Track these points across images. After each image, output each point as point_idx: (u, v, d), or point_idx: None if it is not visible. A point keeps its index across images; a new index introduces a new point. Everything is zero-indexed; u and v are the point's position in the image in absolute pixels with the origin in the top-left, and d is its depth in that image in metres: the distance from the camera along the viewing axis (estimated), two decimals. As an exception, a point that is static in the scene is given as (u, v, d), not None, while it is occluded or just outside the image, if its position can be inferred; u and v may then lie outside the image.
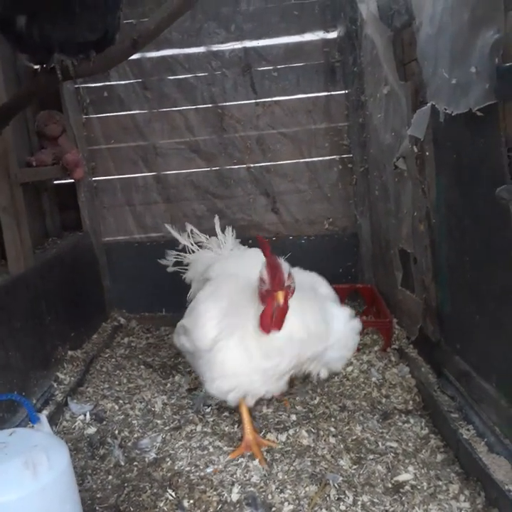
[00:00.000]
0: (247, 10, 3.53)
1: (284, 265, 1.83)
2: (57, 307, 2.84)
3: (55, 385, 2.61)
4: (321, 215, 3.74)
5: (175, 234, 2.77)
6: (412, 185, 2.70)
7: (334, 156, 3.69)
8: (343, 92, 3.62)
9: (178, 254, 2.74)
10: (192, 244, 2.72)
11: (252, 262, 2.00)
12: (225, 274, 2.30)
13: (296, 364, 1.96)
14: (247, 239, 3.79)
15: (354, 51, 3.49)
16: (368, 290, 3.56)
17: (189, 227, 2.76)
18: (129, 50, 1.89)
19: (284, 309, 1.81)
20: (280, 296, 1.77)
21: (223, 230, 2.79)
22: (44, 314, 2.67)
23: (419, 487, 1.86)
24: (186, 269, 2.72)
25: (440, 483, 1.87)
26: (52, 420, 2.32)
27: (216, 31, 3.55)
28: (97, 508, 1.89)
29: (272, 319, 1.83)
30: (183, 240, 2.73)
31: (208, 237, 2.75)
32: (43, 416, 1.44)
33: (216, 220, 2.80)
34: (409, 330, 2.96)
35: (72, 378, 2.71)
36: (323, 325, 1.96)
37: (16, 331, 2.34)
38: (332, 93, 3.65)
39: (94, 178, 3.72)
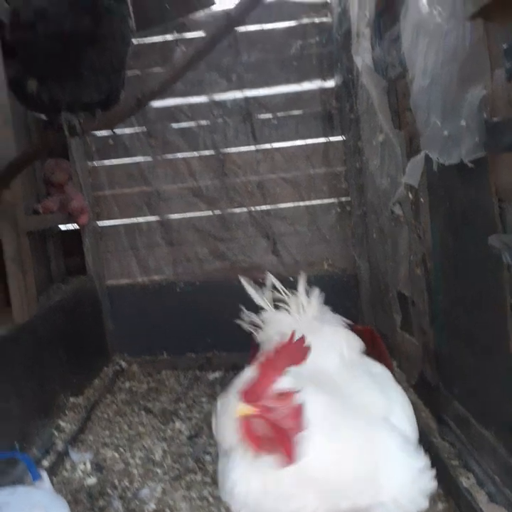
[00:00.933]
0: (247, 60, 3.68)
1: (285, 380, 1.31)
2: (60, 353, 2.87)
3: (56, 433, 2.61)
4: (321, 256, 3.80)
5: (250, 290, 2.14)
6: (408, 230, 2.76)
7: (333, 200, 3.78)
8: (341, 138, 3.73)
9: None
10: (268, 303, 2.11)
11: (319, 349, 1.52)
12: None
13: None
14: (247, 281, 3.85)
15: (351, 99, 3.61)
16: (368, 332, 3.56)
17: (271, 279, 2.13)
18: (133, 108, 1.99)
19: (247, 431, 1.30)
20: (242, 410, 1.27)
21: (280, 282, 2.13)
22: (46, 361, 2.70)
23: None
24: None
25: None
26: (53, 470, 2.32)
27: (218, 81, 3.70)
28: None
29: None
30: (259, 299, 2.11)
31: (290, 293, 2.15)
32: (44, 473, 1.46)
33: (301, 277, 2.12)
34: (409, 373, 2.96)
35: (73, 426, 2.71)
36: (369, 468, 1.36)
37: (18, 380, 2.36)
38: (330, 139, 3.76)
39: (98, 223, 3.81)
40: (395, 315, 3.13)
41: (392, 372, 3.04)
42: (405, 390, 2.87)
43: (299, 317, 2.03)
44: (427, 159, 2.36)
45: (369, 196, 3.51)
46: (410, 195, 2.69)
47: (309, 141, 3.76)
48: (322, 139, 3.77)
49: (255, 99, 3.71)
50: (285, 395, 1.29)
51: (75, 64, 1.86)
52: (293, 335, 1.41)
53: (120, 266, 3.86)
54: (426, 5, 2.19)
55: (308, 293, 2.11)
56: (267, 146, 3.74)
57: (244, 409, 1.27)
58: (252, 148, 3.74)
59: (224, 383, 3.28)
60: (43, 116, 2.14)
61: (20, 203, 2.59)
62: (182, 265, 3.88)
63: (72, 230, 3.71)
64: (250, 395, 1.29)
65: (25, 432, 2.38)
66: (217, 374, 3.51)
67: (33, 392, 2.51)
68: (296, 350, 1.39)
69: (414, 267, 2.74)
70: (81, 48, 1.84)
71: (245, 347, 3.49)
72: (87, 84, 1.93)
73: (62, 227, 3.71)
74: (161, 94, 1.96)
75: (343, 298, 3.82)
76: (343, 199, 3.76)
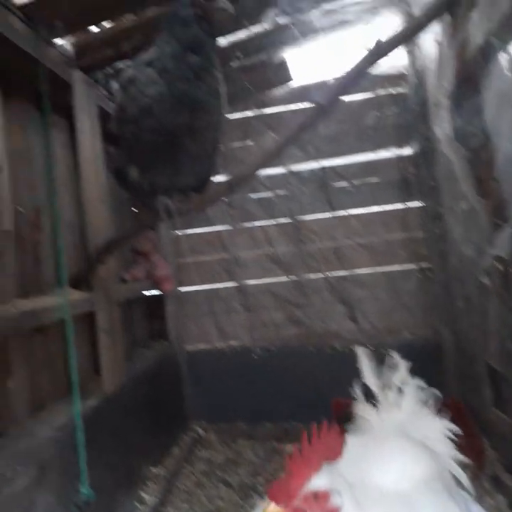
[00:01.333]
0: (324, 132, 3.79)
1: (321, 478, 1.17)
2: (143, 421, 2.92)
3: (139, 506, 2.62)
4: (401, 323, 3.69)
5: (365, 365, 1.72)
6: (498, 302, 2.64)
7: (412, 265, 3.70)
8: (419, 204, 3.70)
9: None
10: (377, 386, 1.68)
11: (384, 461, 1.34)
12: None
13: None
14: (325, 348, 3.81)
15: (429, 166, 3.60)
16: (455, 406, 3.37)
17: (394, 357, 1.74)
18: (224, 192, 2.09)
19: None
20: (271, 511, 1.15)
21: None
22: (130, 430, 2.75)
23: None
24: None
25: None
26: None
27: (295, 153, 3.81)
28: None
29: None
30: (369, 377, 1.69)
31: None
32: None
33: (401, 364, 1.72)
34: (504, 455, 2.74)
35: (155, 498, 2.71)
36: None
37: (104, 450, 2.41)
38: (408, 205, 3.73)
39: (180, 289, 3.95)
40: (484, 389, 2.95)
41: (484, 453, 2.82)
42: (501, 473, 2.68)
43: (387, 417, 1.65)
44: (517, 230, 2.29)
45: (453, 263, 3.41)
46: (500, 267, 2.59)
47: (386, 207, 3.75)
48: (399, 206, 3.74)
49: (331, 168, 3.79)
50: (321, 496, 1.16)
51: (174, 154, 2.00)
52: (326, 425, 1.28)
53: (199, 331, 3.95)
54: (510, 75, 2.19)
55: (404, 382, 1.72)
56: (344, 212, 3.77)
57: (274, 510, 1.15)
58: (328, 215, 3.78)
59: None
60: (140, 200, 2.30)
61: (113, 276, 2.74)
62: (258, 331, 3.90)
63: (155, 297, 3.85)
64: (281, 495, 1.16)
65: (110, 505, 2.40)
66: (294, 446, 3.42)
67: (118, 462, 2.55)
68: (332, 443, 1.25)
69: (507, 342, 2.60)
70: (180, 139, 1.98)
71: (324, 417, 3.40)
72: (184, 171, 2.06)
73: (147, 293, 3.86)
74: (251, 178, 2.05)
75: (425, 368, 3.64)
76: (424, 265, 3.68)
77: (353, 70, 2.11)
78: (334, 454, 1.24)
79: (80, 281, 2.49)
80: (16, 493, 1.66)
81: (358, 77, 2.07)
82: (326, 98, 1.80)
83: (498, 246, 2.53)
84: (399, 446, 1.47)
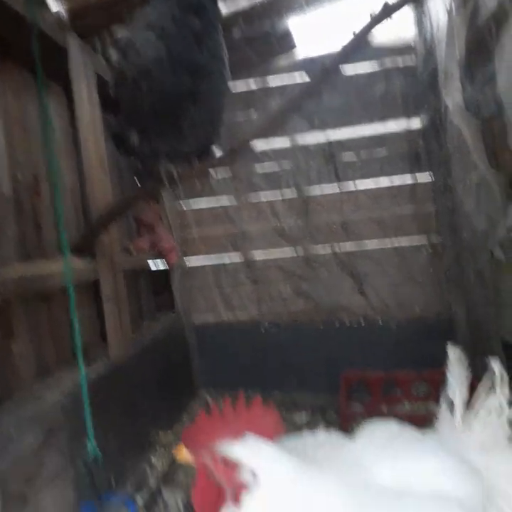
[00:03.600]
0: (331, 104, 3.71)
1: (237, 450, 1.14)
2: (152, 389, 2.93)
3: (148, 470, 2.65)
4: (411, 299, 3.65)
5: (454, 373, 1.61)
6: (511, 275, 2.60)
7: (423, 240, 3.65)
8: (429, 177, 3.63)
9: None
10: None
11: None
12: None
13: None
14: (333, 322, 3.79)
15: (439, 137, 3.52)
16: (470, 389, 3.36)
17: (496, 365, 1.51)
18: (226, 160, 2.05)
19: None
20: (178, 452, 1.20)
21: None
22: (139, 397, 2.76)
23: None
24: None
25: None
26: (146, 508, 2.35)
27: (301, 125, 3.74)
28: None
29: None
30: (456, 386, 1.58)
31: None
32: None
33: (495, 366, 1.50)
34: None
35: (165, 463, 2.74)
36: None
37: (113, 416, 2.42)
38: (417, 178, 3.66)
39: (186, 262, 3.93)
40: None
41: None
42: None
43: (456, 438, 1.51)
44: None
45: (464, 237, 3.35)
46: (513, 238, 2.54)
47: (395, 179, 3.68)
48: (408, 179, 3.68)
49: (338, 141, 3.71)
50: (231, 465, 1.15)
51: (175, 118, 1.96)
52: (259, 400, 1.27)
53: (206, 304, 3.94)
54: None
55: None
56: (351, 186, 3.71)
57: (182, 453, 1.20)
58: (336, 188, 3.72)
59: (310, 426, 3.19)
60: (140, 166, 2.26)
61: (117, 244, 2.72)
62: (266, 304, 3.89)
63: (161, 270, 3.84)
64: (194, 443, 1.19)
65: (120, 469, 2.42)
66: (303, 415, 3.43)
67: (127, 429, 2.57)
68: (264, 418, 1.24)
69: (519, 315, 2.56)
70: (181, 103, 1.94)
71: (332, 389, 3.42)
72: (186, 137, 2.02)
73: (152, 266, 3.86)
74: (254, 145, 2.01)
75: (437, 345, 3.61)
76: (434, 239, 3.62)
77: (359, 33, 2.05)
78: (266, 433, 1.21)
79: (82, 249, 2.47)
80: (24, 454, 1.66)
81: (363, 39, 2.01)
82: (331, 61, 1.75)
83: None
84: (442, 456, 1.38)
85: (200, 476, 1.21)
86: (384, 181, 3.69)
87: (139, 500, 2.35)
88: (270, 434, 1.22)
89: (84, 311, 2.72)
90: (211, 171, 3.44)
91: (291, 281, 3.84)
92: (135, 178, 2.49)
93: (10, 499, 1.52)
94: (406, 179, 3.67)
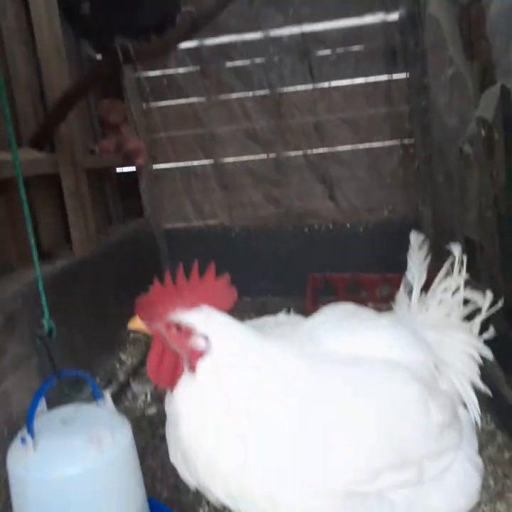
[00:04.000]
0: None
1: (194, 316, 1.17)
2: (120, 291, 2.92)
3: (117, 365, 2.70)
4: (381, 202, 3.64)
5: (414, 247, 1.66)
6: (479, 171, 2.58)
7: (395, 142, 3.58)
8: (405, 75, 3.50)
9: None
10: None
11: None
12: None
13: None
14: (302, 227, 3.79)
15: (416, 32, 3.35)
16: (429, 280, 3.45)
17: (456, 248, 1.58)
18: (188, 31, 1.90)
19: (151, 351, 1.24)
20: (133, 323, 1.22)
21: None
22: (107, 297, 2.76)
23: (485, 485, 1.78)
24: None
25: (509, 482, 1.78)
26: (115, 400, 2.39)
27: (274, 16, 3.51)
28: (158, 486, 1.94)
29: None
30: (415, 262, 1.66)
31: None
32: (107, 393, 1.48)
33: (454, 247, 1.58)
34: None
35: (134, 359, 2.80)
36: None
37: (80, 313, 2.43)
38: (393, 76, 3.53)
39: (154, 166, 3.80)
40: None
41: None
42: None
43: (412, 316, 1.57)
44: (504, 91, 2.16)
45: (435, 137, 3.29)
46: (483, 132, 2.49)
47: (370, 79, 3.55)
48: (384, 77, 3.54)
49: (313, 34, 3.51)
50: (184, 330, 1.16)
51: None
52: (212, 268, 1.23)
53: (176, 210, 3.86)
54: None
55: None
56: (325, 84, 3.56)
57: (135, 322, 1.21)
58: (310, 86, 3.57)
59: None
60: (97, 47, 2.10)
61: (77, 139, 2.59)
62: (236, 210, 3.84)
63: (128, 173, 3.72)
64: (147, 312, 1.19)
65: (89, 364, 2.46)
66: (273, 318, 3.51)
67: (95, 326, 2.59)
68: (218, 289, 1.22)
69: (484, 210, 2.57)
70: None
71: (300, 292, 3.49)
72: (141, 6, 1.85)
73: (119, 170, 3.73)
74: (216, 15, 1.86)
75: (403, 246, 3.67)
76: (406, 141, 3.56)
77: None
78: (220, 302, 1.21)
79: (41, 142, 2.34)
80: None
81: None
82: None
83: (483, 108, 2.41)
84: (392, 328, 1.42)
85: (155, 343, 1.22)
86: (359, 80, 3.55)
87: (108, 394, 2.41)
88: (224, 304, 1.23)
89: (46, 210, 2.63)
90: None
91: (261, 186, 3.77)
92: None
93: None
94: (381, 78, 3.54)
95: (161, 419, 2.32)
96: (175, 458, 1.26)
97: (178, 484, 1.93)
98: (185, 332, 1.16)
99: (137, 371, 2.75)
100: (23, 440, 1.25)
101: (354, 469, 1.13)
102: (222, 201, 3.82)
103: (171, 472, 1.99)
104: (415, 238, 1.71)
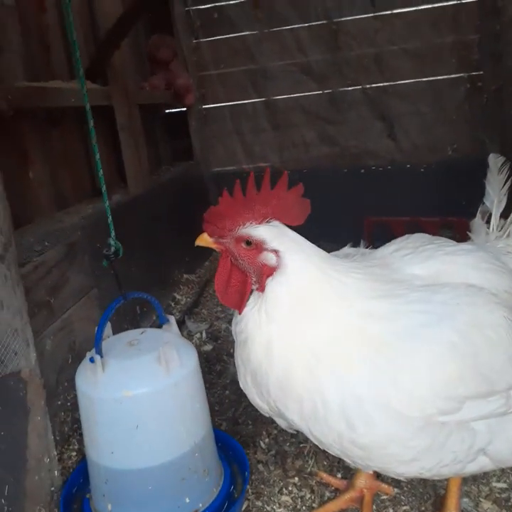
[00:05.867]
0: None
1: (262, 230, 1.10)
2: (172, 232, 2.89)
3: (172, 304, 2.70)
4: (444, 140, 3.41)
5: (493, 172, 1.55)
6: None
7: (461, 74, 3.31)
8: (476, -4, 3.19)
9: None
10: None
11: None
12: None
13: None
14: (359, 168, 3.61)
15: None
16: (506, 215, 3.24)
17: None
18: None
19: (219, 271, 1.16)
20: (201, 239, 1.16)
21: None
22: (160, 236, 2.73)
23: None
24: None
25: None
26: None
27: None
28: (216, 419, 1.94)
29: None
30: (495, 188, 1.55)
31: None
32: (172, 317, 1.45)
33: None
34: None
35: (188, 299, 2.79)
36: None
37: (136, 249, 2.39)
38: (462, 1, 3.22)
39: (204, 106, 3.68)
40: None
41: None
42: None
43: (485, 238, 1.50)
44: None
45: (509, 65, 3.02)
46: None
47: (436, 4, 3.25)
48: (453, 1, 3.24)
49: (375, -44, 3.23)
50: (255, 243, 1.09)
51: None
52: (285, 178, 1.16)
53: (226, 152, 3.75)
54: None
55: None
56: (387, 12, 3.30)
57: (204, 240, 1.14)
58: (370, 15, 3.32)
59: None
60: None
61: (130, 71, 2.50)
62: (288, 151, 3.69)
63: (178, 114, 3.62)
64: (215, 228, 1.12)
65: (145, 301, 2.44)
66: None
67: (150, 264, 2.57)
68: (291, 203, 1.14)
69: None
70: None
71: (356, 238, 3.33)
72: None
73: (168, 111, 3.63)
74: None
75: (468, 188, 3.45)
76: (474, 73, 3.28)
77: None
78: (292, 216, 1.13)
79: (94, 73, 2.27)
80: (47, 265, 1.63)
81: None
82: None
83: None
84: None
85: (223, 261, 1.15)
86: (424, 6, 3.26)
87: (173, 319, 2.43)
88: (297, 219, 1.14)
89: (99, 146, 2.57)
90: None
91: (315, 125, 3.60)
92: None
93: (35, 306, 1.52)
94: (450, 2, 3.24)
95: (216, 356, 2.32)
96: (244, 382, 1.22)
97: (236, 417, 1.93)
98: (255, 247, 1.09)
99: (192, 310, 2.74)
100: (92, 360, 1.23)
101: (432, 397, 1.05)
102: (273, 142, 3.68)
103: (228, 406, 1.99)
104: (494, 160, 1.58)
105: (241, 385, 1.25)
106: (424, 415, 1.05)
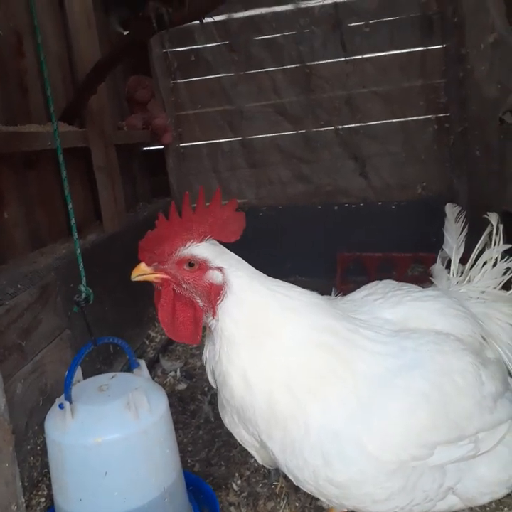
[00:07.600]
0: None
1: (202, 248, 1.09)
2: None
3: (146, 342, 2.70)
4: (414, 179, 3.53)
5: (450, 221, 1.66)
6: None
7: (430, 116, 3.46)
8: (441, 45, 3.36)
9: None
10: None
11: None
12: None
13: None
14: (332, 205, 3.70)
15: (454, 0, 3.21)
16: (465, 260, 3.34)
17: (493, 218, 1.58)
18: (221, -2, 1.83)
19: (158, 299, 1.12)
20: (138, 270, 1.09)
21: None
22: (136, 274, 2.73)
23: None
24: None
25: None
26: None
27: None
28: (189, 460, 1.93)
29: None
30: (452, 236, 1.64)
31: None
32: (143, 361, 1.46)
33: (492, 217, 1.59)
34: None
35: (163, 336, 2.78)
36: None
37: (111, 288, 2.41)
38: (428, 48, 3.40)
39: (181, 144, 3.75)
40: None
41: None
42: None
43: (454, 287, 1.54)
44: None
45: (473, 109, 3.16)
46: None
47: (405, 50, 3.42)
48: (419, 48, 3.41)
49: (346, 4, 3.39)
50: (198, 263, 1.06)
51: None
52: (219, 194, 1.15)
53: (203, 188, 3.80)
54: None
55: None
56: (358, 56, 3.45)
57: (141, 270, 1.07)
58: (341, 59, 3.46)
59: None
60: (128, 12, 2.04)
61: (107, 113, 2.56)
62: (264, 188, 3.77)
63: (155, 151, 3.69)
64: (152, 254, 1.06)
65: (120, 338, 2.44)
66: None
67: (125, 302, 2.57)
68: (227, 218, 1.11)
69: (526, 182, 2.47)
70: None
71: (328, 273, 3.41)
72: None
73: (146, 148, 3.70)
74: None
75: (438, 225, 3.55)
76: (442, 115, 3.43)
77: None
78: (230, 232, 1.11)
79: (71, 115, 2.31)
80: (19, 307, 1.64)
81: None
82: None
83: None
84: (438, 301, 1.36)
85: (164, 291, 1.10)
86: (393, 51, 3.42)
87: (143, 363, 2.42)
88: (233, 234, 1.13)
89: (76, 186, 2.61)
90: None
91: (290, 163, 3.69)
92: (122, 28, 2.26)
93: (5, 350, 1.52)
94: (416, 49, 3.40)
95: (190, 395, 2.32)
96: (231, 421, 1.20)
97: (209, 458, 1.92)
98: (199, 267, 1.07)
99: (166, 348, 2.74)
100: (61, 406, 1.24)
101: (405, 444, 1.07)
102: (249, 179, 3.75)
103: (202, 446, 1.99)
104: (451, 210, 1.66)
105: (227, 426, 1.24)
106: (398, 460, 1.07)
